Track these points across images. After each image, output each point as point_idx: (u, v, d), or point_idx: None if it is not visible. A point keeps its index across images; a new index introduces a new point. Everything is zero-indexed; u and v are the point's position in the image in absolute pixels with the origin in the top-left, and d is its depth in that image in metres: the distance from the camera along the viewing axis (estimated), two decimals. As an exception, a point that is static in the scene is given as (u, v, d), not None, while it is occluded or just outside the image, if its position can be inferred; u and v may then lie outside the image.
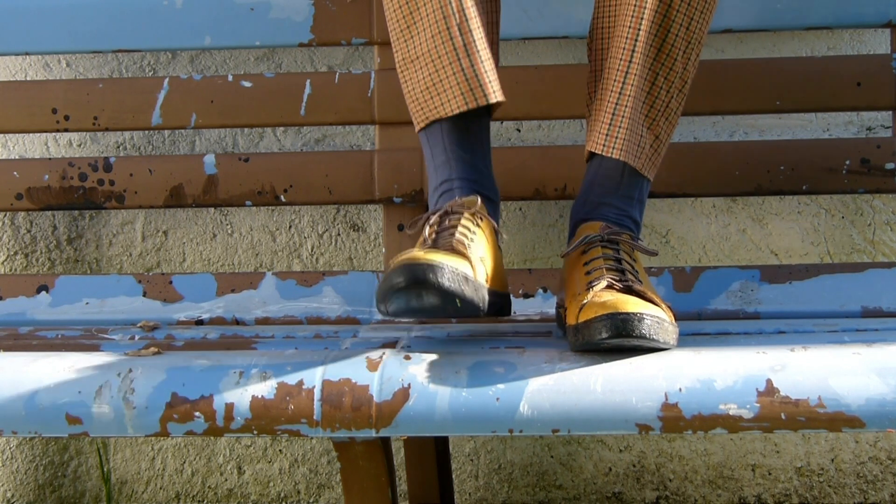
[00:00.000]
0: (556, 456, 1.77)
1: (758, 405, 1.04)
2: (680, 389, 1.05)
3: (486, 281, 1.18)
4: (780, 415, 1.04)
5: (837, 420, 1.04)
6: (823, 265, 1.48)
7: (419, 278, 1.07)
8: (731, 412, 1.04)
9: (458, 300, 1.09)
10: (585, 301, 1.12)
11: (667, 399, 1.05)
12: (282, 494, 1.82)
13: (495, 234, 1.27)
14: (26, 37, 1.64)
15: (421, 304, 1.09)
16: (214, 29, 1.61)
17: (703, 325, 1.36)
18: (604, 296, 1.12)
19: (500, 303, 1.25)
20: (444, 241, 1.18)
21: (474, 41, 1.26)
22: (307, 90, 1.59)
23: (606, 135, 1.27)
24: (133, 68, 1.80)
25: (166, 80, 1.62)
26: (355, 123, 1.60)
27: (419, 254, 1.10)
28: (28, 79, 1.82)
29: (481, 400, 1.07)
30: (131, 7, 1.62)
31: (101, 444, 1.83)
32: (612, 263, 1.20)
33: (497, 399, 1.06)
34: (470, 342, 1.25)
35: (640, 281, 1.18)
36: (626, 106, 1.26)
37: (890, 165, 1.51)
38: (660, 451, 1.76)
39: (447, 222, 1.22)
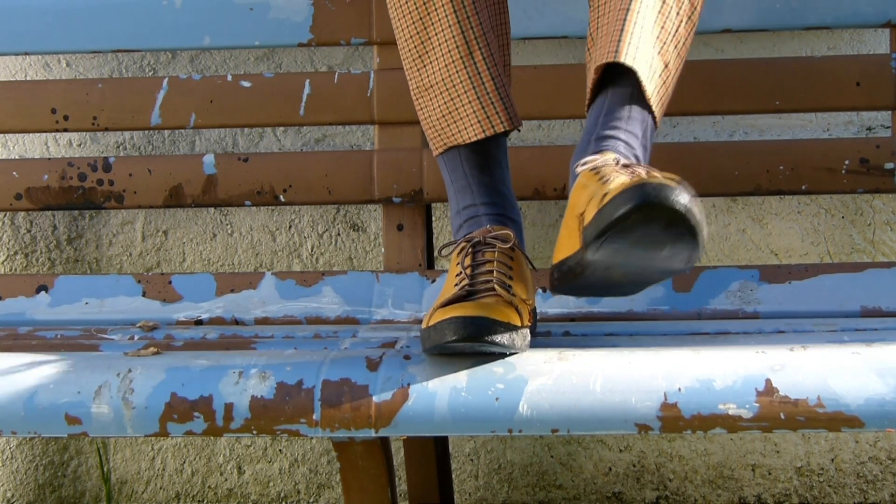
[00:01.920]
0: (556, 456, 1.77)
1: (757, 405, 1.04)
2: (679, 389, 1.05)
3: (528, 320, 1.16)
4: (780, 414, 1.04)
5: (837, 420, 1.04)
6: (823, 265, 1.48)
7: (471, 335, 1.06)
8: (730, 412, 1.04)
9: (507, 353, 1.10)
10: (617, 182, 1.01)
11: (666, 399, 1.05)
12: (282, 494, 1.82)
13: (527, 263, 1.26)
14: (26, 37, 1.64)
15: (469, 353, 1.10)
16: (214, 29, 1.62)
17: (702, 325, 1.36)
18: (638, 171, 1.03)
19: (535, 325, 1.26)
20: (483, 281, 1.17)
21: (488, 68, 1.26)
22: (307, 90, 1.59)
23: (619, 41, 1.18)
24: (133, 68, 1.80)
25: (166, 80, 1.62)
26: (355, 123, 1.60)
27: (467, 307, 1.08)
28: (28, 79, 1.82)
29: (481, 400, 1.07)
30: (131, 7, 1.62)
31: (100, 444, 1.83)
32: (629, 160, 1.11)
33: (496, 399, 1.06)
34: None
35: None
36: (634, 22, 1.18)
37: (889, 165, 1.51)
38: (660, 451, 1.76)
39: (482, 255, 1.21)
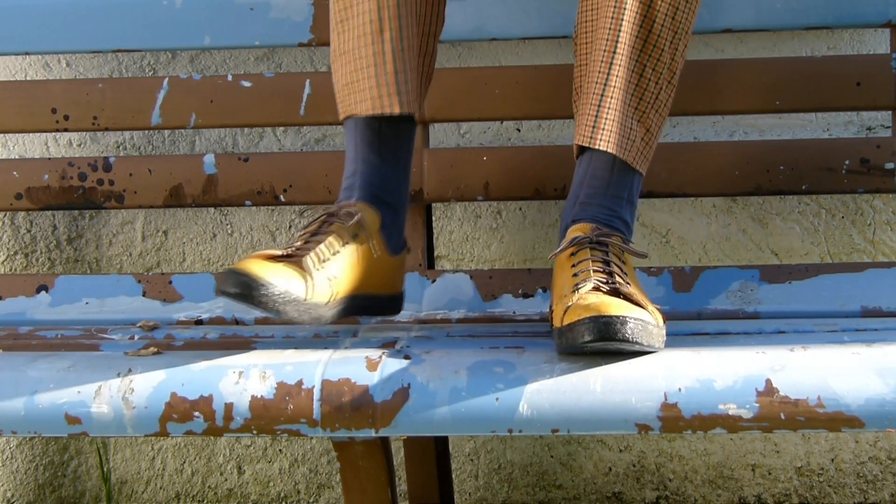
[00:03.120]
0: (556, 456, 1.77)
1: (757, 405, 1.04)
2: (679, 389, 1.05)
3: (332, 298, 1.19)
4: (780, 415, 1.04)
5: (837, 420, 1.04)
6: (823, 265, 1.48)
7: (244, 293, 1.10)
8: (730, 412, 1.04)
9: (279, 315, 1.13)
10: (570, 303, 1.12)
11: (666, 399, 1.05)
12: (282, 494, 1.82)
13: (384, 247, 1.29)
14: (26, 37, 1.64)
15: (250, 308, 1.13)
16: (214, 29, 1.62)
17: (702, 325, 1.36)
18: (589, 298, 1.11)
19: (374, 305, 1.30)
20: (303, 250, 1.20)
21: (393, 50, 1.28)
22: (307, 90, 1.59)
23: (594, 127, 1.26)
24: (133, 68, 1.80)
25: (166, 79, 1.62)
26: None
27: (257, 266, 1.12)
28: (28, 79, 1.82)
29: (481, 400, 1.07)
30: (131, 7, 1.62)
31: (101, 443, 1.83)
32: (601, 266, 1.19)
33: (496, 399, 1.06)
34: (469, 342, 1.25)
35: (628, 283, 1.17)
36: (612, 98, 1.25)
37: (890, 165, 1.51)
38: (660, 451, 1.76)
39: (324, 228, 1.25)
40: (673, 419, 1.05)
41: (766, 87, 1.53)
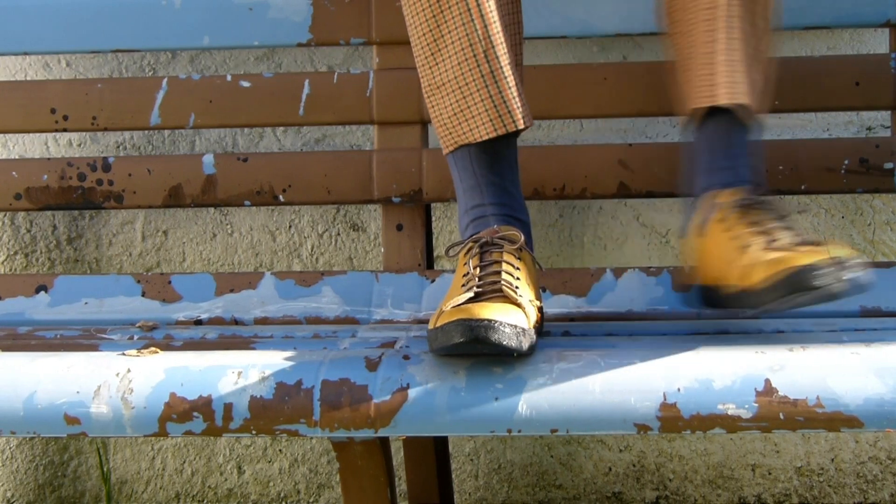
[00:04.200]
0: (556, 456, 1.77)
1: (756, 405, 1.04)
2: (678, 389, 1.05)
3: (537, 322, 1.17)
4: (779, 414, 1.04)
5: (836, 420, 1.04)
6: (823, 265, 1.48)
7: (479, 337, 1.06)
8: (729, 412, 1.04)
9: (514, 353, 1.09)
10: (770, 257, 1.10)
11: (665, 399, 1.05)
12: (282, 494, 1.82)
13: (534, 263, 1.28)
14: (26, 37, 1.64)
15: (476, 353, 1.11)
16: (213, 29, 1.62)
17: (702, 325, 1.36)
18: (798, 249, 1.11)
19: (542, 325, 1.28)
20: (491, 282, 1.17)
21: (501, 67, 1.27)
22: (306, 90, 1.59)
23: (731, 81, 1.25)
24: (132, 68, 1.80)
25: (165, 79, 1.62)
26: (354, 123, 1.60)
27: (474, 309, 1.08)
28: (28, 79, 1.82)
29: (480, 400, 1.07)
30: (131, 7, 1.62)
31: (100, 443, 1.83)
32: (780, 220, 1.19)
33: (496, 399, 1.06)
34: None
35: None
36: (736, 50, 1.25)
37: (889, 165, 1.51)
38: (659, 451, 1.76)
39: (489, 256, 1.22)
40: (672, 419, 1.05)
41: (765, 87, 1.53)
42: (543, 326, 1.30)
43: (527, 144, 1.74)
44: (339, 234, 1.79)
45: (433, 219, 1.73)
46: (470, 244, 1.23)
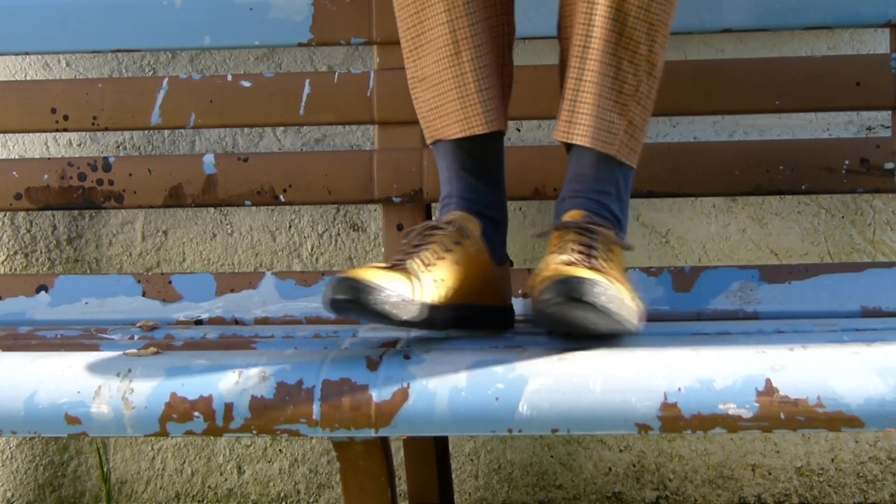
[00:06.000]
0: (556, 456, 1.77)
1: (757, 405, 1.04)
2: (679, 389, 1.05)
3: (440, 299, 1.18)
4: (780, 414, 1.04)
5: (837, 420, 1.04)
6: (823, 265, 1.48)
7: (354, 298, 1.10)
8: (730, 412, 1.04)
9: (391, 320, 1.12)
10: (544, 273, 1.13)
11: (666, 399, 1.05)
12: (282, 494, 1.82)
13: (488, 254, 1.28)
14: (26, 37, 1.64)
15: (359, 317, 1.14)
16: (214, 29, 1.61)
17: (702, 325, 1.36)
18: (562, 266, 1.13)
19: (485, 316, 1.29)
20: (406, 260, 1.20)
21: (473, 70, 1.28)
22: (306, 90, 1.59)
23: (569, 122, 1.26)
24: (133, 68, 1.80)
25: (166, 79, 1.62)
26: (354, 123, 1.61)
27: (366, 273, 1.12)
28: (28, 79, 1.82)
29: (480, 400, 1.07)
30: (131, 7, 1.62)
31: (100, 443, 1.83)
32: (583, 248, 1.20)
33: (496, 399, 1.06)
34: (469, 342, 1.25)
35: (609, 268, 1.17)
36: (587, 92, 1.25)
37: (889, 165, 1.51)
38: (660, 451, 1.76)
39: (426, 239, 1.24)
40: (673, 419, 1.05)
41: (766, 87, 1.53)
42: (509, 312, 1.33)
43: (527, 144, 1.74)
44: (339, 234, 1.79)
45: (433, 219, 1.73)
46: (421, 227, 1.26)
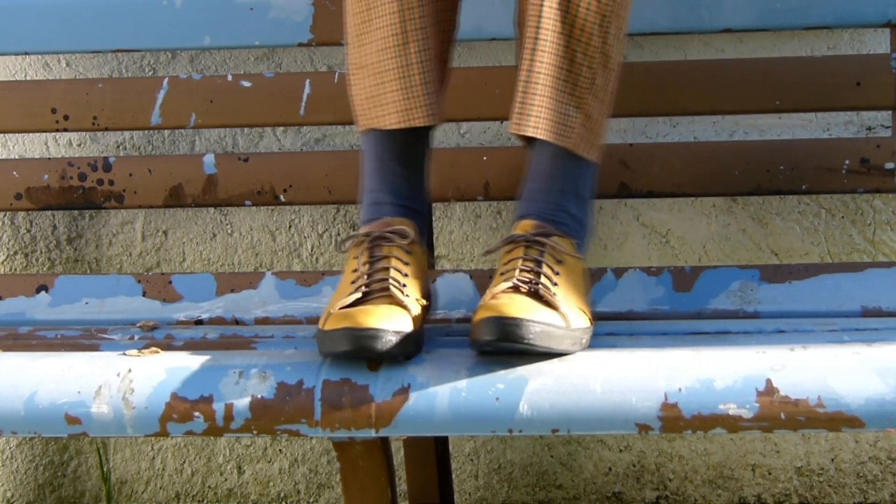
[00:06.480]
0: (556, 456, 1.77)
1: (757, 405, 1.04)
2: (679, 389, 1.05)
3: (419, 318, 1.18)
4: (780, 414, 1.04)
5: (837, 420, 1.04)
6: (823, 265, 1.48)
7: (364, 347, 1.09)
8: (730, 412, 1.04)
9: (403, 358, 1.12)
10: (483, 307, 1.12)
11: (666, 399, 1.05)
12: (282, 494, 1.82)
13: (425, 256, 1.29)
14: (26, 37, 1.64)
15: (366, 358, 1.12)
16: (214, 29, 1.61)
17: (702, 325, 1.36)
18: (499, 298, 1.12)
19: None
20: (379, 279, 1.18)
21: (420, 62, 1.26)
22: (307, 90, 1.59)
23: (520, 113, 1.23)
24: (133, 68, 1.80)
25: (166, 79, 1.62)
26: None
27: (359, 316, 1.10)
28: (28, 79, 1.82)
29: (481, 400, 1.07)
30: (131, 7, 1.62)
31: (100, 443, 1.83)
32: (531, 265, 1.18)
33: (496, 399, 1.06)
34: (469, 342, 1.25)
35: (555, 284, 1.16)
36: (539, 84, 1.23)
37: (890, 165, 1.51)
38: (660, 451, 1.76)
39: (379, 251, 1.22)
40: (673, 419, 1.05)
41: (766, 87, 1.53)
42: (425, 323, 1.30)
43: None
44: (339, 234, 1.79)
45: (433, 218, 1.73)
46: (361, 238, 1.24)
